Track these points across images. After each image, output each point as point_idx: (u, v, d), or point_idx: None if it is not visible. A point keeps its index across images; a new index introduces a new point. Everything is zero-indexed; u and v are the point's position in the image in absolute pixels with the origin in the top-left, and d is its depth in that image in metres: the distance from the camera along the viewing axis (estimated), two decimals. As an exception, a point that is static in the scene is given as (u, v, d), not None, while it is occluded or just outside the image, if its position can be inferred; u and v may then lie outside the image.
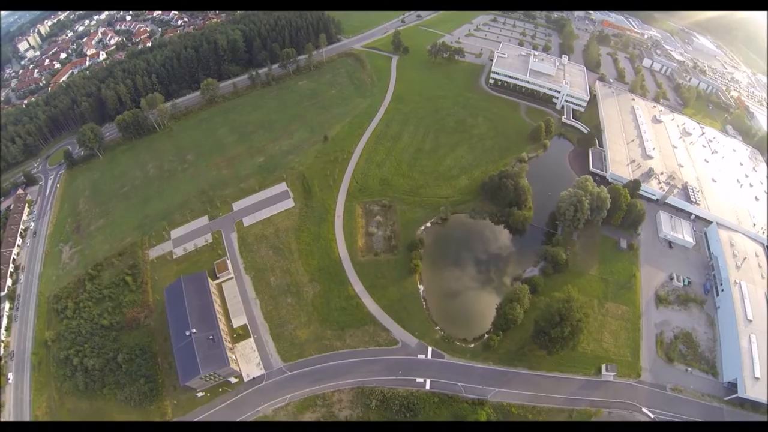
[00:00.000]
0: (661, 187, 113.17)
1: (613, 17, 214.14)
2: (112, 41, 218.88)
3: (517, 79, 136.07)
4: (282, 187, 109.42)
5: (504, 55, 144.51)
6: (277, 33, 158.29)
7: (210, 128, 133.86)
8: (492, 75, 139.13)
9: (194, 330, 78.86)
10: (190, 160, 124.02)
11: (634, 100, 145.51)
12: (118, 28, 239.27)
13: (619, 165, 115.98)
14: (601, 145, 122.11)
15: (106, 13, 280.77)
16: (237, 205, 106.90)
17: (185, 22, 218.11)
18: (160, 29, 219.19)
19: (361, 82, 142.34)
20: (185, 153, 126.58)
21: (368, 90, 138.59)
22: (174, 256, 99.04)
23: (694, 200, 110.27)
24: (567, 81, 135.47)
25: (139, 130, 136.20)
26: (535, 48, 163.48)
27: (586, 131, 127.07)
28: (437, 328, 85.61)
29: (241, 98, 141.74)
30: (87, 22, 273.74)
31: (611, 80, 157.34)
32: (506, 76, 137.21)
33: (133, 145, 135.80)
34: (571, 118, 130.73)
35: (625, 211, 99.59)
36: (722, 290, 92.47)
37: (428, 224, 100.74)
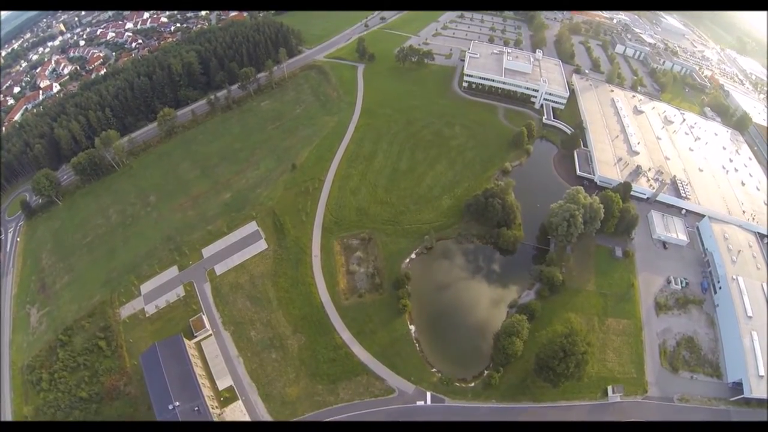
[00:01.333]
0: (651, 185, 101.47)
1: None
2: (66, 70, 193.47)
3: (492, 80, 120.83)
4: (252, 227, 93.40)
5: (476, 55, 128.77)
6: (234, 51, 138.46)
7: (171, 163, 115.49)
8: (465, 78, 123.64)
9: (177, 403, 65.40)
10: (152, 202, 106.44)
11: (612, 91, 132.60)
12: (71, 54, 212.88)
13: (607, 166, 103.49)
14: (585, 145, 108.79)
15: (60, 38, 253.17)
16: (207, 251, 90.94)
17: (140, 44, 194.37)
18: (114, 54, 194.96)
19: (327, 97, 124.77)
20: (147, 194, 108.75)
21: (335, 105, 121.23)
22: (147, 314, 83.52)
23: (684, 195, 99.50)
24: (544, 78, 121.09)
25: (97, 171, 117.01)
26: (506, 44, 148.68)
27: (569, 131, 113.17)
28: (434, 370, 73.01)
29: (202, 126, 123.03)
30: (41, 49, 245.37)
31: (587, 71, 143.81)
32: (480, 78, 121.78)
33: (92, 188, 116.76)
34: (552, 118, 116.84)
35: (618, 217, 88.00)
36: (720, 288, 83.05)
37: (413, 255, 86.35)
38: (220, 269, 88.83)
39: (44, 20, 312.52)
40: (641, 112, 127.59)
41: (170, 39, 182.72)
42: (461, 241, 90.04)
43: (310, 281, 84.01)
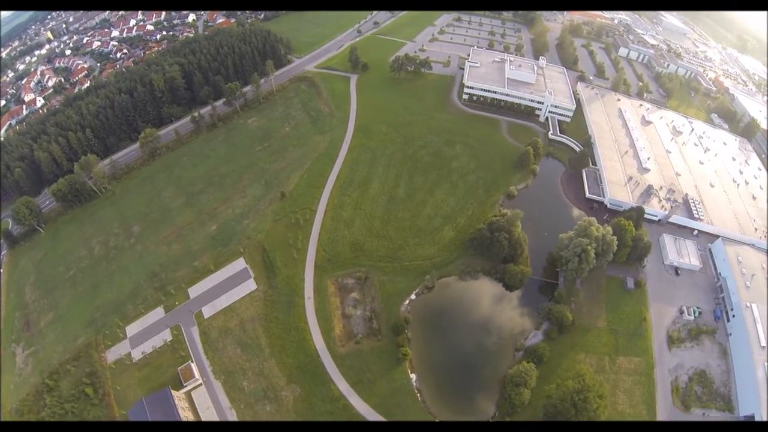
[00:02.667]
0: (663, 206, 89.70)
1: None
2: (50, 83, 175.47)
3: (495, 92, 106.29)
4: (240, 263, 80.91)
5: (476, 64, 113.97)
6: (220, 63, 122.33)
7: (154, 189, 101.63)
8: (465, 90, 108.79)
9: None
10: (136, 232, 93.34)
11: (619, 100, 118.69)
12: (57, 65, 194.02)
13: (617, 186, 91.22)
14: (594, 162, 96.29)
15: (47, 47, 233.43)
16: (193, 291, 78.79)
17: (125, 54, 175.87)
18: (98, 64, 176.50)
19: (318, 113, 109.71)
20: (130, 224, 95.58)
21: (327, 122, 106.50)
22: (133, 360, 72.53)
23: (696, 216, 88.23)
24: (549, 89, 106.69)
25: (78, 197, 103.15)
26: (507, 49, 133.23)
27: (576, 148, 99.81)
28: (437, 421, 63.58)
29: (186, 147, 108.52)
30: (28, 59, 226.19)
31: (591, 77, 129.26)
32: (482, 90, 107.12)
33: (75, 214, 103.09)
34: (558, 133, 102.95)
35: (630, 246, 76.85)
36: (733, 316, 73.31)
37: (413, 296, 74.47)
38: (207, 311, 76.71)
39: (33, 27, 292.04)
40: (649, 122, 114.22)
41: (156, 48, 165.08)
42: (464, 278, 77.84)
43: (304, 326, 72.11)
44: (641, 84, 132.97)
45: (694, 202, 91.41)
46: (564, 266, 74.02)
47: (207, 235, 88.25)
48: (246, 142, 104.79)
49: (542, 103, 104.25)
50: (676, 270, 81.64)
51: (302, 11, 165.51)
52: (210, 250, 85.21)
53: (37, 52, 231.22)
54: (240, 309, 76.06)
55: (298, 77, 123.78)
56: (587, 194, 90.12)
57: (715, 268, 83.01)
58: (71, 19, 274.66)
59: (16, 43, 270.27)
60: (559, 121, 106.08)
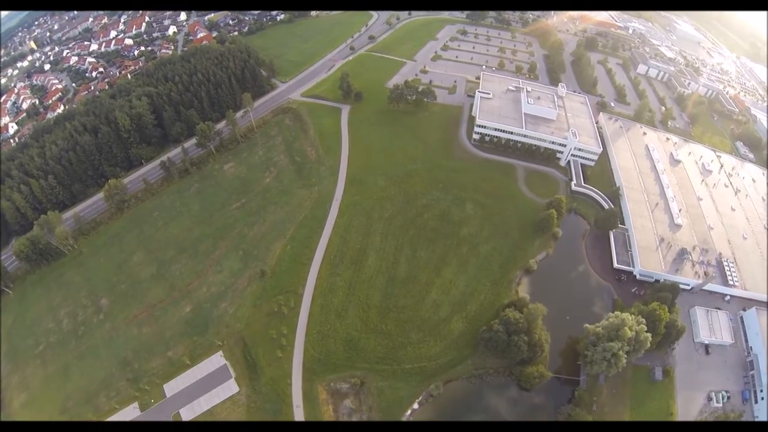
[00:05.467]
0: (696, 272, 68.88)
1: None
2: (25, 104, 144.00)
3: (511, 132, 79.92)
4: (219, 359, 59.83)
5: (488, 95, 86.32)
6: (193, 94, 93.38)
7: (123, 252, 77.85)
8: (476, 128, 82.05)
9: None
10: (105, 307, 71.08)
11: (645, 134, 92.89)
12: (34, 81, 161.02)
13: (648, 252, 69.26)
14: (622, 221, 73.01)
15: (30, 57, 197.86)
16: (169, 388, 58.70)
17: (100, 73, 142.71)
18: (74, 85, 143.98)
19: (303, 158, 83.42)
20: (99, 295, 72.97)
21: (314, 171, 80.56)
22: None
23: (731, 282, 68.04)
24: (573, 128, 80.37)
25: (44, 256, 79.90)
26: (519, 71, 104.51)
27: (603, 201, 75.02)
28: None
29: (156, 199, 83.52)
30: (10, 71, 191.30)
31: (612, 103, 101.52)
32: (495, 129, 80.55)
33: (42, 274, 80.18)
34: (582, 183, 77.71)
35: (662, 334, 57.82)
36: (762, 398, 56.05)
37: (415, 405, 54.20)
38: (186, 414, 56.77)
39: (19, 34, 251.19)
40: (678, 161, 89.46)
41: (131, 67, 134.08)
42: (474, 382, 56.99)
43: (291, 444, 55.00)
44: (665, 110, 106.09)
45: (727, 264, 71.15)
46: (589, 366, 54.77)
47: (181, 318, 65.92)
48: (221, 195, 79.41)
49: (565, 145, 78.86)
50: (707, 348, 63.07)
51: (291, 22, 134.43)
52: (185, 338, 63.46)
53: (19, 64, 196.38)
54: (222, 414, 55.91)
55: (282, 108, 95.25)
56: (615, 264, 67.80)
57: (746, 341, 64.48)
58: (56, 27, 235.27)
59: (2, 51, 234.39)
60: (582, 165, 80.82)
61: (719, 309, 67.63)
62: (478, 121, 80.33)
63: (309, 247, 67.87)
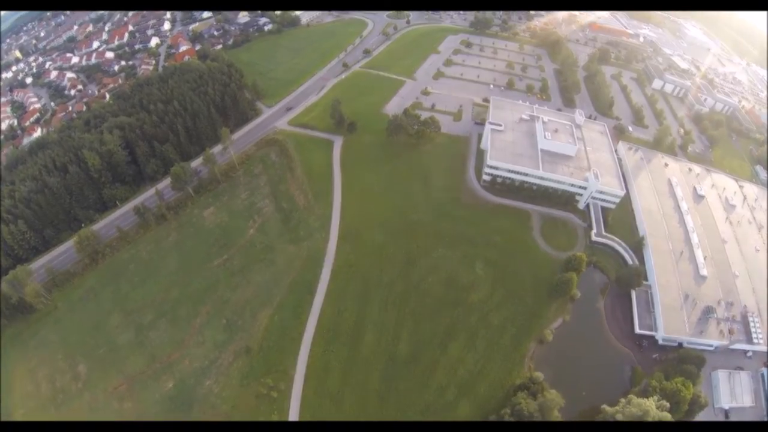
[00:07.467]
0: (721, 331, 56.38)
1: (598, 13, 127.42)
2: (4, 125, 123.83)
3: (526, 174, 63.62)
4: None
5: (499, 127, 69.06)
6: (168, 126, 76.08)
7: (100, 311, 63.72)
8: (487, 170, 65.38)
9: None
10: (83, 375, 58.15)
11: (667, 165, 77.18)
12: (14, 96, 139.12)
13: (672, 313, 56.44)
14: (645, 276, 58.97)
15: (14, 67, 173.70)
16: None
17: (79, 91, 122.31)
18: (52, 104, 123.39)
19: (290, 205, 67.35)
20: (76, 360, 59.92)
21: (302, 222, 65.05)
22: None
23: (756, 339, 56.05)
24: (594, 167, 64.65)
25: (19, 310, 65.21)
26: (530, 90, 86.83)
27: (625, 253, 60.64)
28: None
29: (132, 248, 68.07)
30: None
31: (630, 128, 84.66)
32: (508, 171, 64.10)
33: (18, 330, 65.78)
34: (603, 231, 62.70)
35: (685, 411, 46.97)
36: None
37: None
38: None
39: (7, 40, 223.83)
40: (701, 197, 74.11)
41: (110, 85, 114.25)
42: None
43: None
44: (683, 132, 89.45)
45: (752, 318, 58.60)
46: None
47: (163, 394, 53.39)
48: (201, 249, 64.37)
49: (585, 188, 63.36)
50: (726, 414, 52.60)
51: (279, 32, 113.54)
52: (169, 418, 50.87)
53: (4, 75, 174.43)
54: None
55: (267, 140, 77.61)
56: (637, 330, 55.09)
57: (766, 399, 53.89)
58: (42, 33, 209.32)
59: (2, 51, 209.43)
60: (603, 208, 65.42)
61: (741, 369, 56.41)
62: (489, 161, 64.16)
63: (299, 318, 54.26)
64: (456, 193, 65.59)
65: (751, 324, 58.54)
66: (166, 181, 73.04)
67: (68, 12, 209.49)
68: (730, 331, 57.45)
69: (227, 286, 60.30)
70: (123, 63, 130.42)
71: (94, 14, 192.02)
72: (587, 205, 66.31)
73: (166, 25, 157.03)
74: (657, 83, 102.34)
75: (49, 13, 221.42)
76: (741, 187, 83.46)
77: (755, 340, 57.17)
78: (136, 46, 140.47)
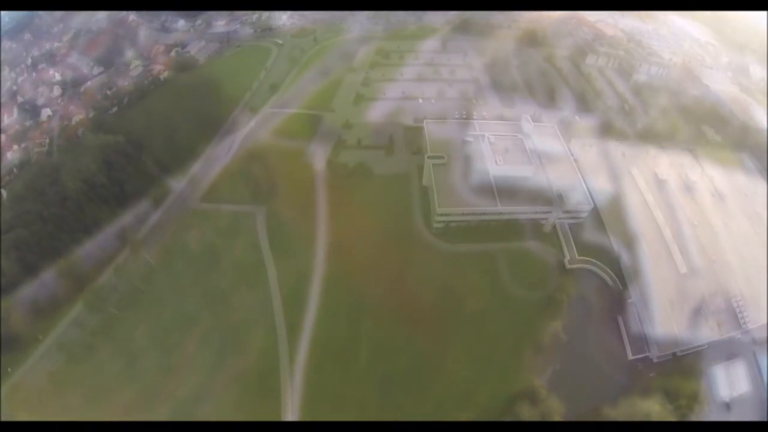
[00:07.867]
0: (711, 327, 50.75)
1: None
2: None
3: (483, 213, 54.05)
4: None
5: (441, 159, 57.41)
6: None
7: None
8: (437, 218, 54.40)
9: None
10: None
11: (654, 158, 68.37)
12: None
13: (666, 321, 49.79)
14: (629, 294, 51.24)
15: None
16: None
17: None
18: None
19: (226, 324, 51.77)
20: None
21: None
22: None
23: (743, 323, 50.99)
24: (553, 182, 55.37)
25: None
26: (465, 97, 73.18)
27: (608, 280, 52.45)
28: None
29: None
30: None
31: (577, 117, 72.67)
32: (461, 214, 54.21)
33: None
34: (576, 256, 53.93)
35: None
36: None
37: None
38: None
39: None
40: (691, 189, 65.93)
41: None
42: None
43: None
44: (669, 124, 76.51)
45: (737, 303, 52.91)
46: None
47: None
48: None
49: (549, 212, 54.42)
50: (728, 405, 48.58)
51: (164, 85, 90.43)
52: None
53: None
54: None
55: (182, 223, 61.30)
56: (629, 356, 48.49)
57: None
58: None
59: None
60: (571, 225, 56.47)
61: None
62: (438, 210, 53.24)
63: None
64: (404, 253, 53.42)
65: (736, 309, 53.18)
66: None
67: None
68: (719, 324, 52.33)
69: None
70: (15, 147, 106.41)
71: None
72: (553, 227, 56.93)
73: (56, 91, 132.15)
74: (590, 58, 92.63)
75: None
76: (728, 176, 74.23)
77: (742, 324, 51.99)
78: (27, 123, 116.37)
